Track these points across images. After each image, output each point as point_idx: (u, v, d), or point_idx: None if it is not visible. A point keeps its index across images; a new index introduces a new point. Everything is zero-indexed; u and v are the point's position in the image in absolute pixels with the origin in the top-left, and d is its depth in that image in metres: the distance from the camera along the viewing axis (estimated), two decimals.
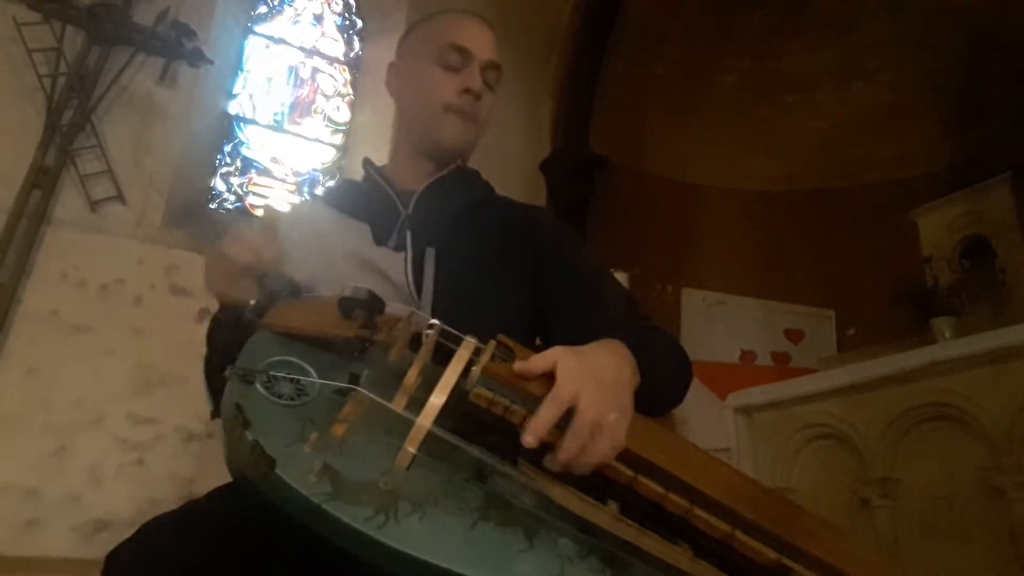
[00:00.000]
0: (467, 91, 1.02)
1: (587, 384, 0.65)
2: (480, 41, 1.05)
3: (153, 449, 2.92)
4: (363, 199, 1.07)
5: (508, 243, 1.03)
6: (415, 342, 0.72)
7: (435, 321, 0.72)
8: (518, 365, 0.67)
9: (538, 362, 0.68)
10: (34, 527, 2.68)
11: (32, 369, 2.83)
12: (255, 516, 0.63)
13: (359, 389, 0.63)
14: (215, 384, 0.91)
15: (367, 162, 1.13)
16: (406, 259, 0.97)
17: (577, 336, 0.92)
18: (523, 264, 1.02)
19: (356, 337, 0.70)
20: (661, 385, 0.84)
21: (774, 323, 4.54)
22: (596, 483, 0.64)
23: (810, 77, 4.86)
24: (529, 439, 0.62)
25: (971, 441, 2.34)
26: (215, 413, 0.90)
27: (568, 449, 0.63)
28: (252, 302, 0.74)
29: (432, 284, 0.95)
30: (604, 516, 0.63)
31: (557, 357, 0.68)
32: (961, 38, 4.35)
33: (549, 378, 0.67)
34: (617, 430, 0.65)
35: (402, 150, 1.12)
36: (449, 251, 0.99)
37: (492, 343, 0.70)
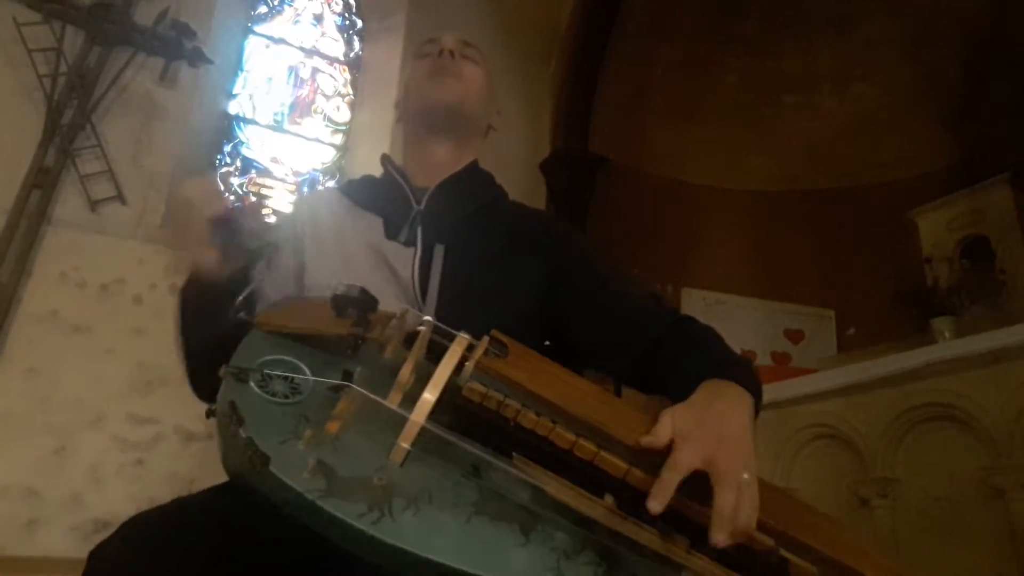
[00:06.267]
0: (440, 52, 1.09)
1: (709, 445, 0.65)
2: (451, 32, 1.13)
3: (153, 449, 2.92)
4: (379, 193, 1.08)
5: (518, 246, 1.03)
6: (409, 339, 0.72)
7: (428, 317, 0.72)
8: (646, 440, 0.66)
9: (664, 430, 0.67)
10: (34, 527, 2.68)
11: (32, 369, 2.83)
12: (243, 514, 0.63)
13: (352, 386, 0.63)
14: (198, 377, 0.92)
15: (386, 158, 1.13)
16: (415, 254, 0.97)
17: (609, 335, 0.96)
18: (532, 268, 1.01)
19: (349, 335, 0.69)
20: (761, 393, 0.83)
21: (774, 323, 4.54)
22: (592, 476, 0.64)
23: (810, 77, 4.86)
24: (655, 506, 0.61)
25: (971, 441, 2.34)
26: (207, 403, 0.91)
27: (720, 520, 0.61)
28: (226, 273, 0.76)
29: (439, 281, 0.95)
30: (600, 510, 0.62)
31: (675, 418, 0.68)
32: (961, 38, 4.35)
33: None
34: (752, 489, 0.63)
35: (408, 146, 1.13)
36: (458, 249, 0.99)
37: (485, 339, 0.70)
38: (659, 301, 1.01)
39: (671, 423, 0.68)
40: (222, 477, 0.73)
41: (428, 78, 1.08)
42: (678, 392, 0.79)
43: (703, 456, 0.64)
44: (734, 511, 0.61)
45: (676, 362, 0.89)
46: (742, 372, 0.81)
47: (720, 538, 0.60)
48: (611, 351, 0.97)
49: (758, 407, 0.79)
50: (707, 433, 0.66)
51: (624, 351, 0.95)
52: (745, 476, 0.63)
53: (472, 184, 1.09)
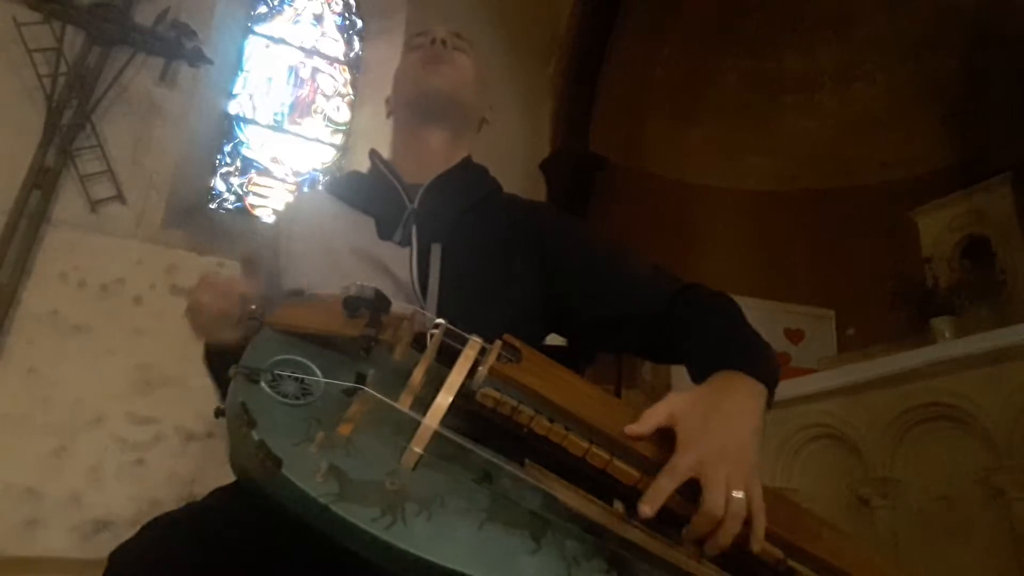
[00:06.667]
0: (433, 41, 1.08)
1: (710, 455, 0.64)
2: (441, 25, 1.13)
3: (153, 449, 2.91)
4: (369, 191, 1.05)
5: (515, 240, 1.01)
6: (419, 341, 0.71)
7: (440, 320, 0.71)
8: (630, 428, 0.67)
9: (652, 418, 0.67)
10: (34, 527, 2.67)
11: (32, 369, 2.83)
12: (258, 516, 0.63)
13: (365, 388, 0.63)
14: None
15: (374, 153, 1.12)
16: (411, 255, 0.95)
17: (613, 302, 0.95)
18: (531, 261, 1.00)
19: (361, 336, 0.69)
20: (777, 376, 0.80)
21: (774, 323, 4.53)
22: (603, 484, 0.64)
23: (810, 77, 4.86)
24: (646, 510, 0.61)
25: (971, 441, 2.34)
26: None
27: (698, 528, 0.62)
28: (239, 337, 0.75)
29: (438, 281, 0.93)
30: (610, 517, 0.62)
31: (676, 413, 0.68)
32: (961, 37, 4.35)
33: (664, 431, 0.67)
34: (742, 506, 0.63)
35: (401, 138, 1.12)
36: (455, 247, 0.97)
37: (498, 343, 0.69)
38: (660, 270, 0.99)
39: (664, 416, 0.67)
40: (221, 476, 0.73)
41: (422, 66, 1.07)
42: (687, 358, 0.79)
43: (702, 466, 0.63)
44: (715, 524, 0.61)
45: (687, 327, 0.88)
46: (755, 356, 0.78)
47: (690, 538, 0.62)
48: (617, 320, 0.95)
49: (772, 394, 0.76)
50: (710, 440, 0.65)
51: (630, 318, 0.94)
52: (738, 495, 0.62)
53: (466, 180, 1.08)
